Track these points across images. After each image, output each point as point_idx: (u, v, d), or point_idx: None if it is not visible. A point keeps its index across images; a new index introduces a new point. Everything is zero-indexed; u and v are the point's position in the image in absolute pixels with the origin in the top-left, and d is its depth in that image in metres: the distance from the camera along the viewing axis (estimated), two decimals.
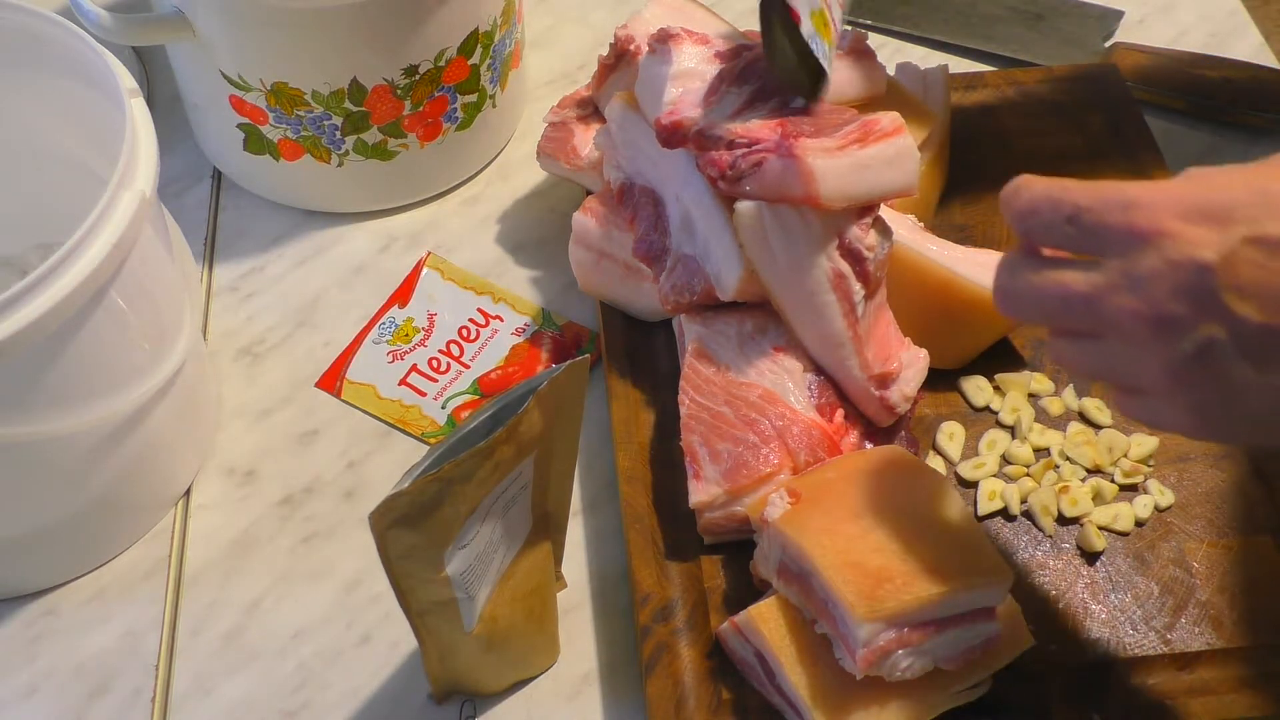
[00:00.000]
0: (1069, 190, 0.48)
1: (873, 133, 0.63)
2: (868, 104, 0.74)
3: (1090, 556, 0.68)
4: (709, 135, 0.64)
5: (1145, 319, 0.46)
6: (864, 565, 0.57)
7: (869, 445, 0.67)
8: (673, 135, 0.66)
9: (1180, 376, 0.46)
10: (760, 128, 0.64)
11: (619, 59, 0.78)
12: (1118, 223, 0.46)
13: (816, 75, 0.64)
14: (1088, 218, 0.47)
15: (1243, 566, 0.67)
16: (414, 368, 0.77)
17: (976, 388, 0.74)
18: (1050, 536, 0.69)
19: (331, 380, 0.77)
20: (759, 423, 0.65)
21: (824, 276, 0.65)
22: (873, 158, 0.63)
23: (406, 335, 0.79)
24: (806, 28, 0.61)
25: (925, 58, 0.95)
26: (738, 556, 0.66)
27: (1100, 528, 0.68)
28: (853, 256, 0.64)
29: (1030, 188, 0.49)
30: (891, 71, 0.80)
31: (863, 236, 0.64)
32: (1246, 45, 0.95)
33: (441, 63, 0.77)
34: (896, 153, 0.63)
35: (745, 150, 0.63)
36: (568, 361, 0.54)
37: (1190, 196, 0.45)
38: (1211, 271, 0.44)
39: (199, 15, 0.73)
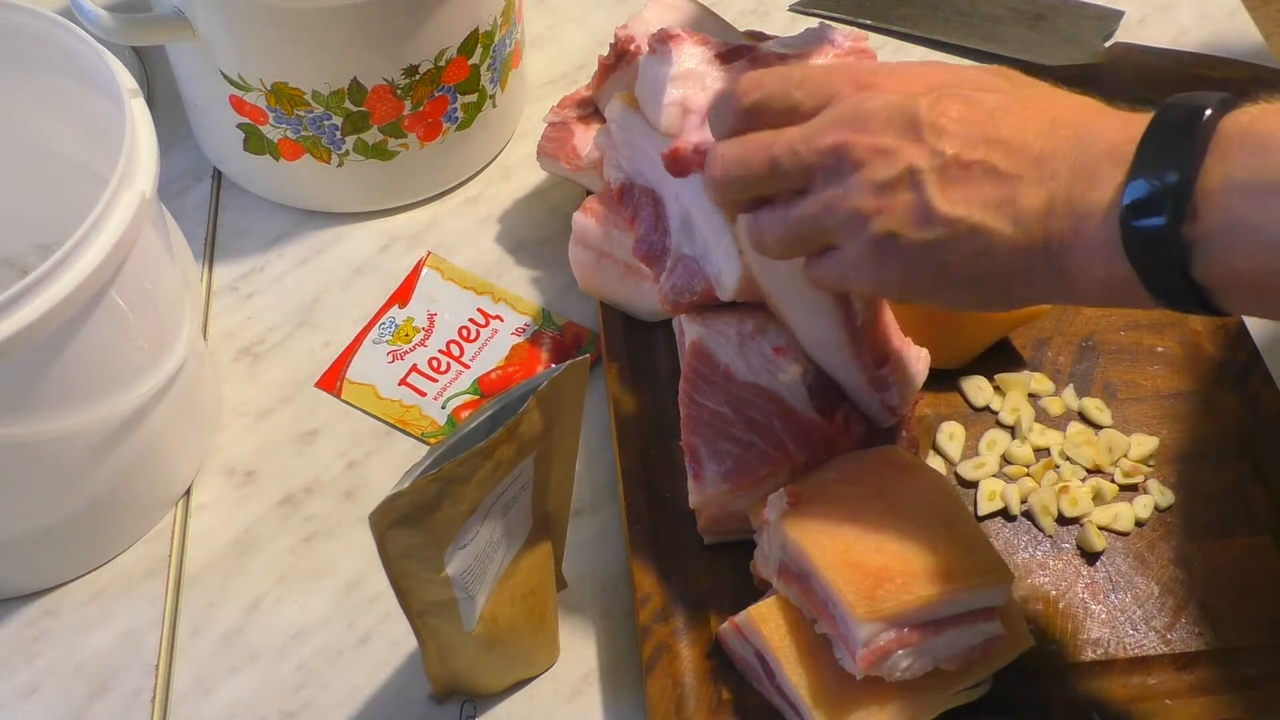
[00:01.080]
0: (784, 68, 0.57)
1: None
2: None
3: (1090, 556, 0.68)
4: (706, 149, 0.64)
5: (861, 148, 0.52)
6: (864, 565, 0.57)
7: (869, 445, 0.67)
8: (677, 163, 0.65)
9: (881, 208, 0.52)
10: None
11: (619, 59, 0.77)
12: (836, 78, 0.54)
13: None
14: (805, 81, 0.55)
15: (1243, 566, 0.67)
16: (414, 368, 0.77)
17: (976, 388, 0.74)
18: (1050, 536, 0.69)
19: (331, 380, 0.77)
20: (759, 422, 0.65)
21: None
22: None
23: (406, 335, 0.79)
24: None
25: (925, 58, 0.95)
26: (738, 556, 0.66)
27: (1100, 528, 0.68)
28: None
29: (758, 76, 0.56)
30: None
31: None
32: (1246, 45, 0.95)
33: (441, 63, 0.77)
34: None
35: None
36: (568, 361, 0.54)
37: (887, 67, 0.55)
38: (920, 111, 0.51)
39: (199, 15, 0.73)
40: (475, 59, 0.79)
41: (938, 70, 0.54)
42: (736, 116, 0.56)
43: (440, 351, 0.78)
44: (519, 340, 0.79)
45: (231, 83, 0.76)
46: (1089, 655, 0.64)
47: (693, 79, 0.68)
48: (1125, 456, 0.71)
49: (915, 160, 0.51)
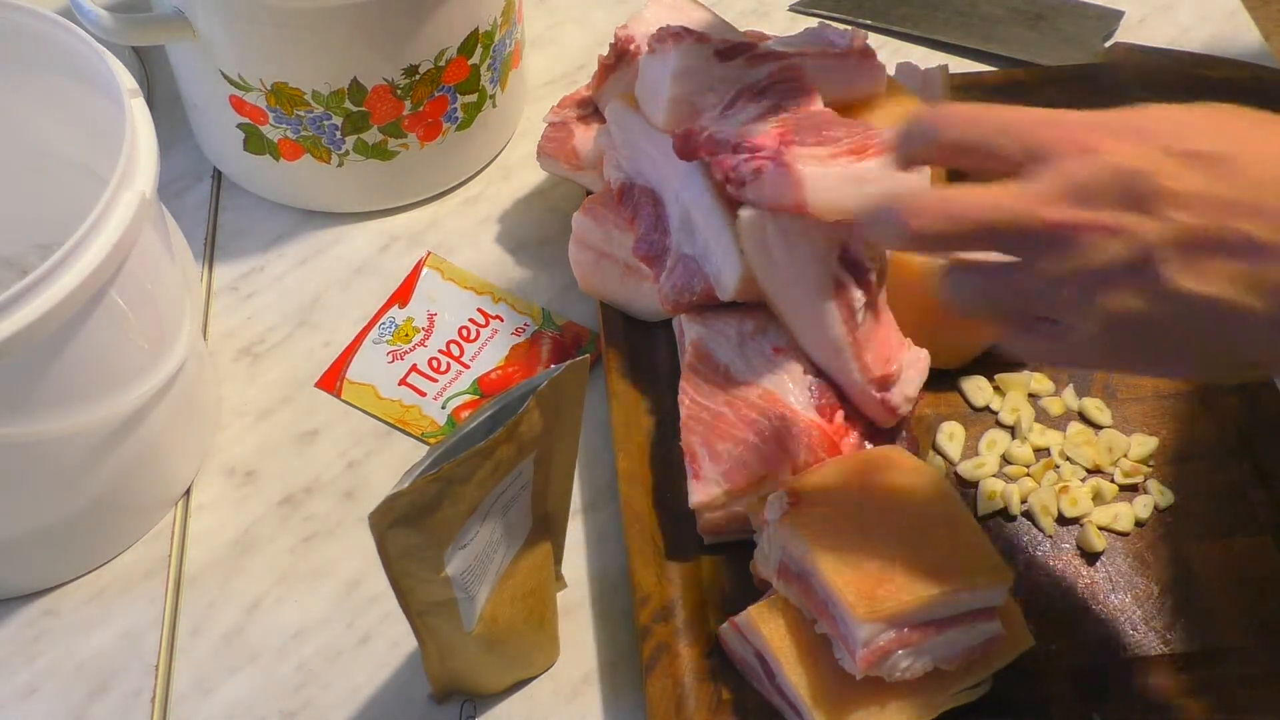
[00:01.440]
0: (992, 108, 0.51)
1: (871, 145, 0.62)
2: (868, 103, 0.74)
3: (1090, 556, 0.68)
4: (719, 139, 0.64)
5: (1091, 227, 0.47)
6: (864, 565, 0.57)
7: (869, 445, 0.67)
8: (687, 144, 0.66)
9: (1115, 287, 0.47)
10: (764, 134, 0.64)
11: (619, 59, 0.78)
12: (1051, 135, 0.49)
13: None
14: (1018, 130, 0.49)
15: (1243, 566, 0.67)
16: (414, 368, 0.77)
17: (976, 388, 0.74)
18: (1050, 536, 0.69)
19: (331, 380, 0.77)
20: (759, 423, 0.65)
21: (824, 285, 0.65)
22: (869, 170, 0.62)
23: (406, 335, 0.79)
24: None
25: (925, 58, 0.95)
26: (738, 556, 0.66)
27: (1100, 528, 0.68)
28: (854, 266, 0.64)
29: (957, 112, 0.51)
30: (891, 71, 0.80)
31: (865, 247, 0.64)
32: (1246, 45, 0.95)
33: (442, 63, 0.77)
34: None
35: (747, 156, 0.63)
36: (568, 361, 0.54)
37: (1107, 120, 0.49)
38: (1153, 180, 0.46)
39: (199, 15, 0.74)
40: (475, 59, 0.79)
41: (1163, 119, 0.49)
42: (934, 150, 0.51)
43: (440, 351, 0.78)
44: (519, 340, 0.79)
45: (231, 83, 0.76)
46: (1089, 655, 0.64)
47: (692, 77, 0.68)
48: (1125, 456, 0.71)
49: (1151, 237, 0.46)
